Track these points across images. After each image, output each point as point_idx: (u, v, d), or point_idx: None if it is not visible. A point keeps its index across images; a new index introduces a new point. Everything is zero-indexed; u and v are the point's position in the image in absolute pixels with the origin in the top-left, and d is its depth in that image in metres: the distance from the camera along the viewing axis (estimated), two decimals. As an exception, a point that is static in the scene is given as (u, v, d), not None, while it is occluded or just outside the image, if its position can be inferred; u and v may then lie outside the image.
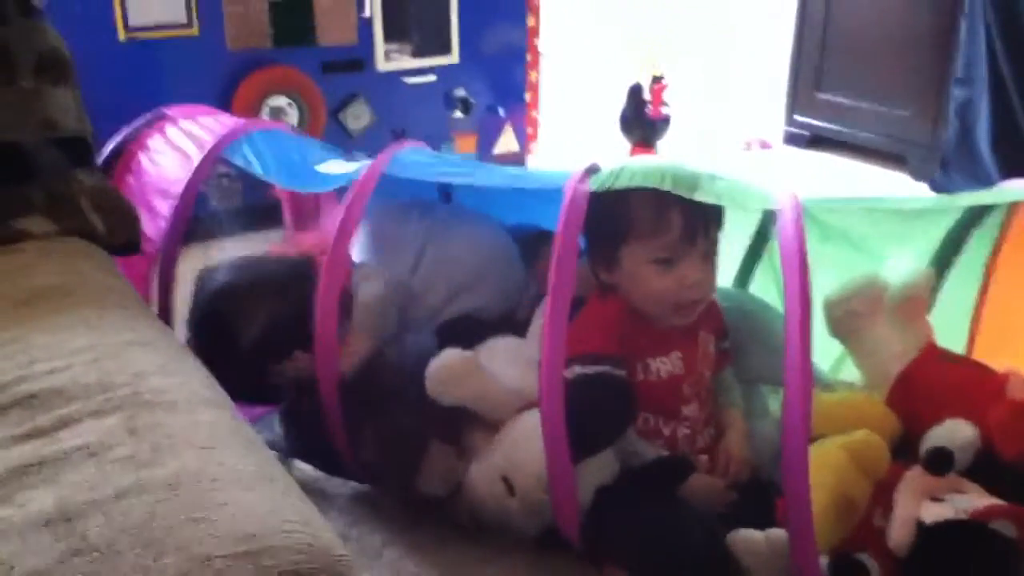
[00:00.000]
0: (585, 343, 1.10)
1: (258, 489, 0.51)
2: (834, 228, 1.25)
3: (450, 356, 1.12)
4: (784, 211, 1.00)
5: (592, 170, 1.07)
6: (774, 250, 1.37)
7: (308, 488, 1.24)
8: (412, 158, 1.24)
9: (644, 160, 1.10)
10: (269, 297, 1.21)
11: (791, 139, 3.12)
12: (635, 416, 1.13)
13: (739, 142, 3.09)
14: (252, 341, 1.16)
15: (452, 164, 1.27)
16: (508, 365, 1.18)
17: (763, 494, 1.13)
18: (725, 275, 1.38)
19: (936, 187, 2.58)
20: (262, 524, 0.47)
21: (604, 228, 1.12)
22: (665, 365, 1.16)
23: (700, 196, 1.02)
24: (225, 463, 0.53)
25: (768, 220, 1.36)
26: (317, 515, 0.53)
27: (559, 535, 1.08)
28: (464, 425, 1.18)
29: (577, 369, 1.08)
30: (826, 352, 1.34)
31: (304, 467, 1.32)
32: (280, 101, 2.20)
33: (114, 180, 1.31)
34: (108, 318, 0.76)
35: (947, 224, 1.29)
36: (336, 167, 1.25)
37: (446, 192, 1.51)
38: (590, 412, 1.03)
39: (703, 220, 1.12)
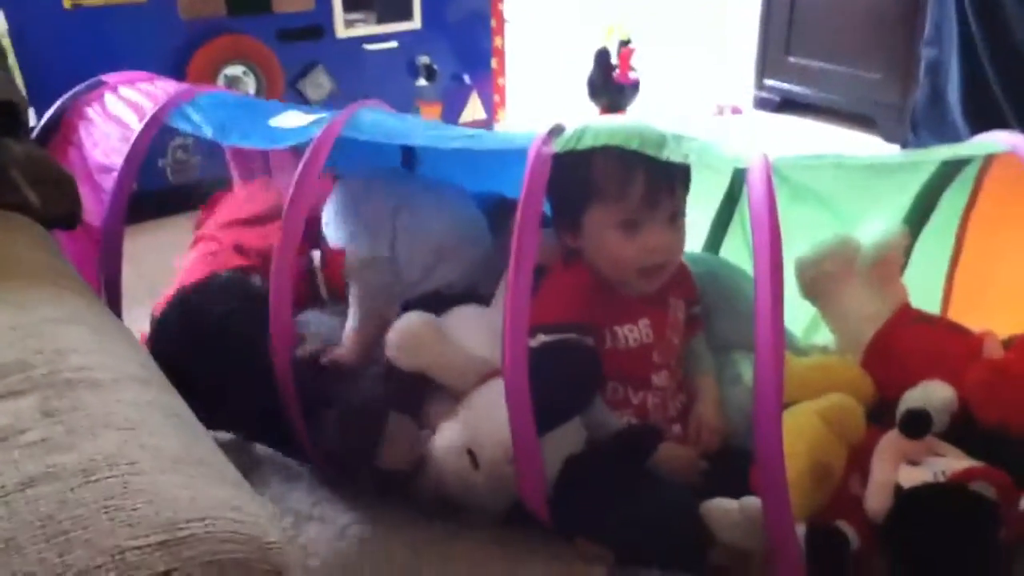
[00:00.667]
0: (549, 312, 1.06)
1: (182, 472, 0.47)
2: (805, 187, 1.22)
3: (411, 319, 1.08)
4: (753, 169, 0.96)
5: (556, 131, 1.02)
6: (745, 212, 1.35)
7: (273, 467, 1.21)
8: (371, 118, 1.18)
9: (609, 120, 1.06)
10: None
11: (761, 103, 3.08)
12: (602, 383, 1.10)
13: (709, 107, 3.06)
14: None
15: (413, 125, 1.21)
16: (472, 333, 1.14)
17: (736, 463, 1.08)
18: (695, 240, 1.36)
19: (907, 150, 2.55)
20: (183, 511, 0.43)
21: (567, 191, 1.08)
22: (633, 333, 1.13)
23: (667, 155, 0.98)
24: (147, 445, 0.48)
25: (738, 182, 1.33)
26: (249, 498, 0.48)
27: (527, 510, 1.04)
28: (425, 396, 1.14)
29: (542, 338, 1.04)
30: (798, 316, 1.31)
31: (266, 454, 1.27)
32: (236, 70, 2.13)
33: (53, 154, 1.24)
34: (35, 295, 0.71)
35: (920, 181, 1.26)
36: (291, 119, 1.18)
37: (408, 153, 1.46)
38: (555, 380, 0.99)
39: (668, 181, 1.08)
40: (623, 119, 1.05)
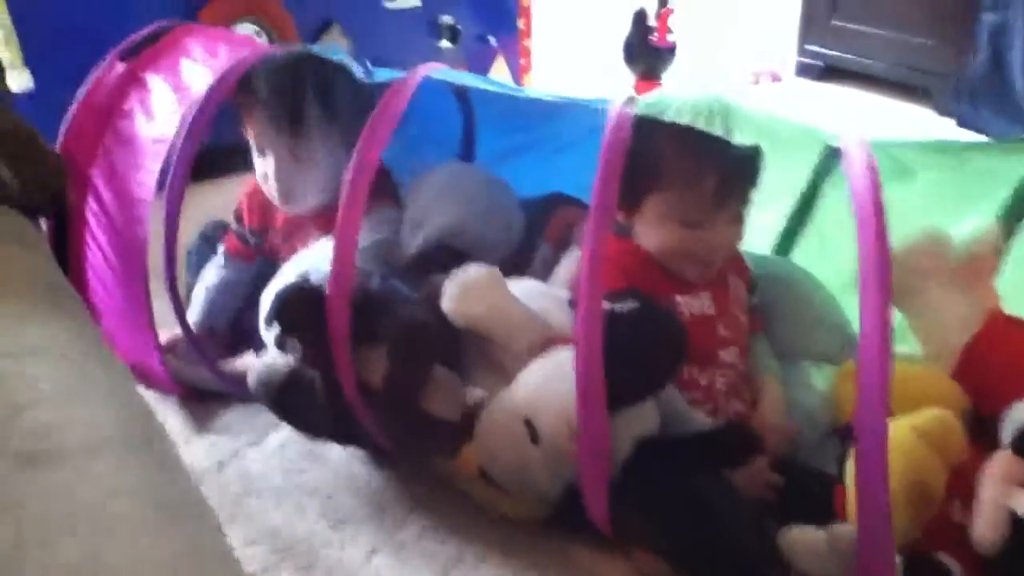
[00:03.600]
0: (608, 279, 0.96)
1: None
2: (894, 172, 1.08)
3: (472, 269, 0.99)
4: (850, 149, 0.84)
5: (630, 103, 0.92)
6: (824, 211, 1.24)
7: (282, 487, 1.10)
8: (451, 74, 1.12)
9: (692, 94, 0.93)
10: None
11: (803, 70, 2.91)
12: (686, 355, 0.97)
13: (747, 74, 2.89)
14: None
15: (485, 81, 1.17)
16: (531, 301, 1.04)
17: (801, 479, 1.00)
18: (763, 241, 1.27)
19: (963, 123, 2.40)
20: None
21: (634, 168, 0.96)
22: (695, 302, 1.05)
23: (751, 135, 0.88)
24: (122, 563, 0.35)
25: (819, 178, 1.22)
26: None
27: (578, 509, 0.93)
28: (465, 355, 1.04)
29: (605, 304, 0.93)
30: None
31: (275, 465, 1.15)
32: (247, 29, 1.97)
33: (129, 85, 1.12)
34: (1, 308, 0.57)
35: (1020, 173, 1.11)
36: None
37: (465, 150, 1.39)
38: (636, 347, 0.88)
39: (739, 179, 1.02)
40: (704, 93, 0.92)
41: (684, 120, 0.88)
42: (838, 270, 1.20)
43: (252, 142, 1.21)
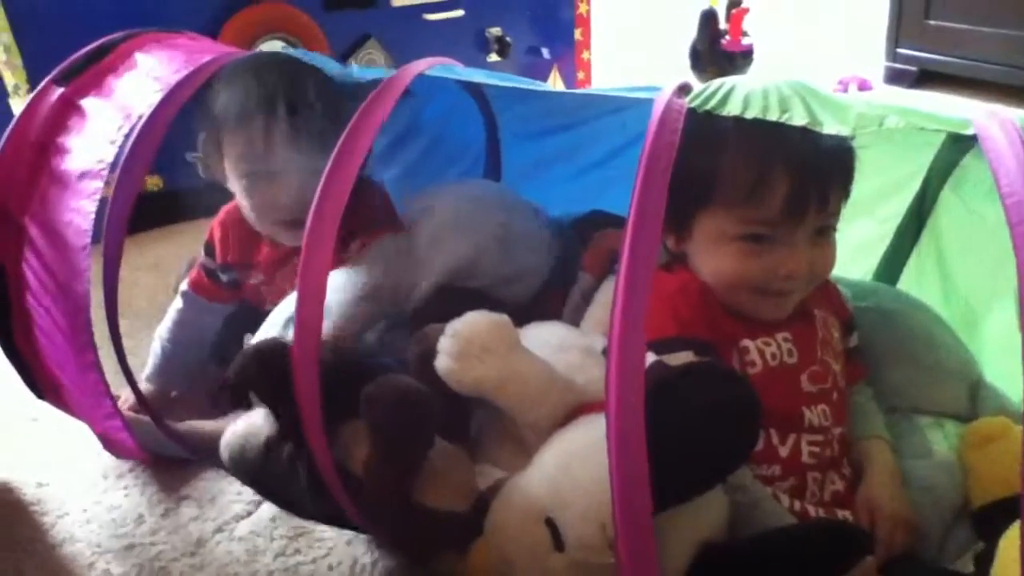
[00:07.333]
0: (655, 323, 0.78)
1: None
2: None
3: (476, 318, 0.81)
4: (994, 138, 0.62)
5: (684, 89, 0.72)
6: (940, 223, 1.05)
7: (273, 571, 0.90)
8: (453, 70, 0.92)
9: (761, 79, 0.75)
10: None
11: (895, 77, 2.70)
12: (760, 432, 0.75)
13: (831, 83, 2.67)
14: None
15: (501, 78, 0.97)
16: (556, 354, 0.86)
17: None
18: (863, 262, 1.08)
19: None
20: None
21: (681, 178, 0.75)
22: (770, 347, 0.85)
23: (841, 122, 0.66)
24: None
25: (935, 176, 1.02)
26: None
27: None
28: (480, 435, 0.87)
29: (651, 357, 0.76)
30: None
31: (263, 544, 0.96)
32: (274, 45, 1.87)
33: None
34: None
35: None
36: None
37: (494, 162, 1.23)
38: (693, 425, 0.66)
39: (821, 186, 0.81)
40: (777, 78, 0.71)
41: (755, 109, 0.67)
42: (963, 302, 1.00)
43: (233, 173, 1.03)
